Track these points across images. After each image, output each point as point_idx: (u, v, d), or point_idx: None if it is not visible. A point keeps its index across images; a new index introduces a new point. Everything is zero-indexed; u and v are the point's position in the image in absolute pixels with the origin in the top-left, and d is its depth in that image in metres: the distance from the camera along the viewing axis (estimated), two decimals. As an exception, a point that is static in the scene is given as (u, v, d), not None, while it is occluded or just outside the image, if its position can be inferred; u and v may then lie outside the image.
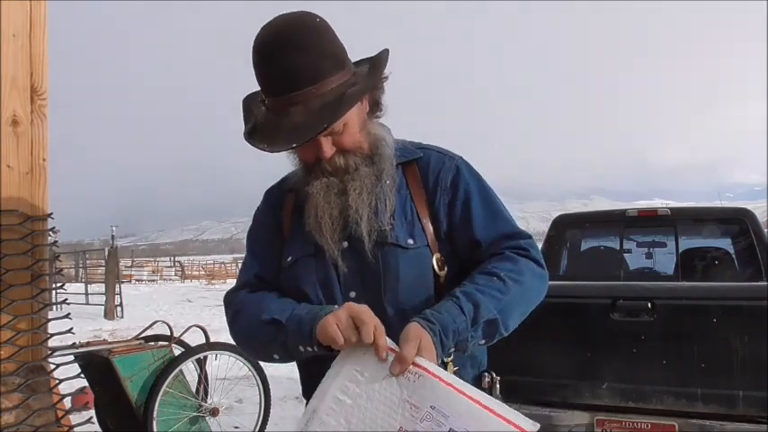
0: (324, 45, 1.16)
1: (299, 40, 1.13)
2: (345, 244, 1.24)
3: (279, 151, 1.18)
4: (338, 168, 1.23)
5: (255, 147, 1.17)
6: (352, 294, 1.22)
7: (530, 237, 1.28)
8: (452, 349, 1.12)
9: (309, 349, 1.12)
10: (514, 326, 1.20)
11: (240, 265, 1.43)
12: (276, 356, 1.20)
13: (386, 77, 1.26)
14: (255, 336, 1.22)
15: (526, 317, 1.23)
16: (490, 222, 1.27)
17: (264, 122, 1.20)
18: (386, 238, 1.22)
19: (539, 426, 1.00)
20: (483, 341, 1.17)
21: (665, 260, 4.44)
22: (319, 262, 1.25)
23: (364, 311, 1.07)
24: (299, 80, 1.13)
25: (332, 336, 1.05)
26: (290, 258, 1.29)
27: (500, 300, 1.15)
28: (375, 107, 1.29)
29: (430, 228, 1.26)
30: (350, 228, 1.23)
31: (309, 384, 1.32)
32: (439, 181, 1.29)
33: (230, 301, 1.33)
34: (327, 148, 1.20)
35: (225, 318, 1.32)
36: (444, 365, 1.19)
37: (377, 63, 1.23)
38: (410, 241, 1.23)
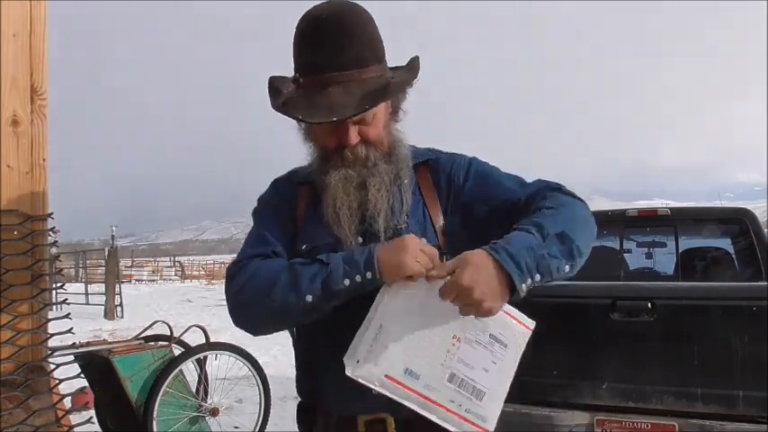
0: (370, 35, 1.20)
1: (349, 25, 1.17)
2: (360, 239, 1.24)
3: (315, 122, 1.19)
4: (358, 158, 1.23)
5: (290, 116, 1.18)
6: None
7: (561, 185, 1.30)
8: (537, 274, 1.09)
9: (359, 279, 1.12)
10: (586, 245, 1.18)
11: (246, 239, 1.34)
12: (309, 298, 1.13)
13: (412, 83, 1.29)
14: (286, 280, 1.15)
15: (592, 240, 1.23)
16: (522, 186, 1.30)
17: (297, 98, 1.20)
18: (400, 236, 1.22)
19: (534, 323, 1.19)
20: (566, 264, 1.13)
21: (665, 260, 4.44)
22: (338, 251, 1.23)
23: (425, 245, 1.12)
24: (345, 61, 1.16)
25: (416, 269, 1.09)
26: (305, 246, 1.27)
27: (557, 220, 1.15)
28: (395, 111, 1.31)
29: (440, 227, 1.28)
30: (366, 223, 1.23)
31: (309, 383, 1.31)
32: (452, 177, 1.31)
33: (243, 265, 1.23)
34: (354, 135, 1.21)
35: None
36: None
37: (412, 65, 1.26)
38: (423, 240, 1.24)
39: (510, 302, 1.12)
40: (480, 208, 1.29)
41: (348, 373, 1.10)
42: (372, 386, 1.11)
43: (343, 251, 1.21)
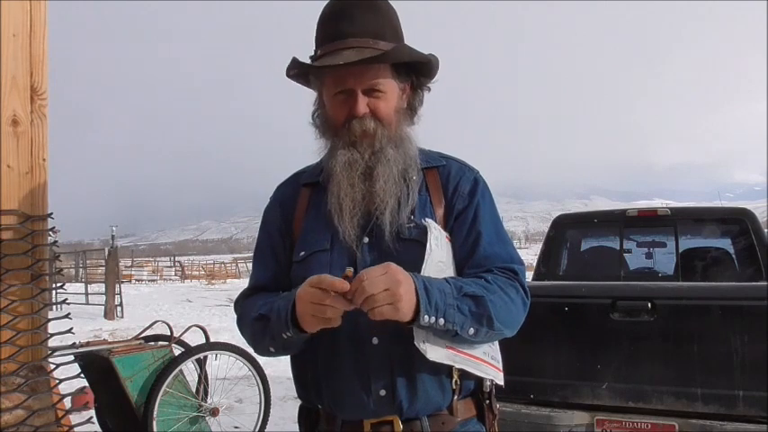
0: (391, 18, 1.27)
1: (373, 5, 1.24)
2: (366, 239, 1.24)
3: (323, 66, 1.22)
4: (366, 132, 1.24)
5: (299, 65, 1.24)
6: None
7: (522, 263, 1.30)
8: (442, 318, 1.11)
9: (290, 333, 1.16)
10: (501, 327, 1.19)
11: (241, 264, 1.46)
12: (272, 349, 1.24)
13: (429, 86, 1.34)
14: (253, 333, 1.27)
15: (512, 329, 1.23)
16: (495, 241, 1.28)
17: (311, 63, 1.26)
18: (410, 235, 1.23)
19: None
20: (471, 326, 1.14)
21: (665, 260, 4.44)
22: (335, 257, 1.25)
23: (319, 281, 1.09)
24: (362, 30, 1.22)
25: (315, 326, 1.11)
26: (302, 253, 1.29)
27: (482, 288, 1.17)
28: (411, 109, 1.33)
29: (445, 227, 1.29)
30: (373, 216, 1.23)
31: (311, 390, 1.30)
32: (458, 188, 1.32)
33: (236, 306, 1.40)
34: (362, 104, 1.24)
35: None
36: (450, 378, 1.23)
37: (428, 55, 1.29)
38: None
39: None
40: (458, 231, 1.29)
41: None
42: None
43: (340, 258, 1.23)
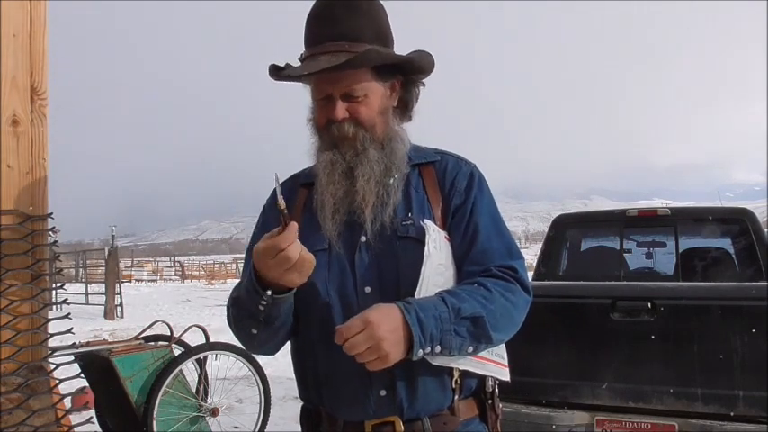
0: (374, 18, 1.24)
1: (355, 5, 1.23)
2: (364, 239, 1.24)
3: (291, 75, 1.24)
4: (346, 136, 1.23)
5: (274, 72, 1.25)
6: (367, 290, 1.21)
7: (521, 257, 1.28)
8: (438, 345, 1.10)
9: (264, 300, 1.12)
10: (501, 337, 1.19)
11: (241, 265, 1.44)
12: (254, 331, 1.20)
13: (423, 82, 1.33)
14: (235, 324, 1.25)
15: (512, 333, 1.22)
16: (493, 235, 1.27)
17: (292, 68, 1.26)
18: (407, 233, 1.23)
19: None
20: (470, 345, 1.14)
21: (665, 260, 4.44)
22: (333, 257, 1.24)
23: (268, 239, 1.07)
24: (339, 33, 1.21)
25: (270, 276, 1.08)
26: None
27: (485, 305, 1.14)
28: (405, 109, 1.33)
29: (443, 226, 1.28)
30: (355, 215, 1.23)
31: (312, 390, 1.30)
32: (455, 183, 1.31)
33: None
34: (341, 110, 1.23)
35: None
36: (451, 377, 1.22)
37: (414, 54, 1.28)
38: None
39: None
40: (456, 226, 1.28)
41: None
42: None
43: (339, 258, 1.23)
